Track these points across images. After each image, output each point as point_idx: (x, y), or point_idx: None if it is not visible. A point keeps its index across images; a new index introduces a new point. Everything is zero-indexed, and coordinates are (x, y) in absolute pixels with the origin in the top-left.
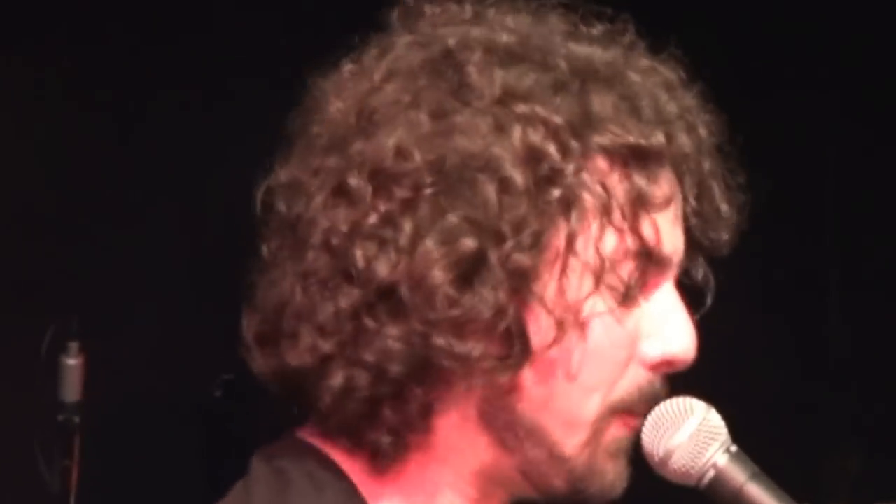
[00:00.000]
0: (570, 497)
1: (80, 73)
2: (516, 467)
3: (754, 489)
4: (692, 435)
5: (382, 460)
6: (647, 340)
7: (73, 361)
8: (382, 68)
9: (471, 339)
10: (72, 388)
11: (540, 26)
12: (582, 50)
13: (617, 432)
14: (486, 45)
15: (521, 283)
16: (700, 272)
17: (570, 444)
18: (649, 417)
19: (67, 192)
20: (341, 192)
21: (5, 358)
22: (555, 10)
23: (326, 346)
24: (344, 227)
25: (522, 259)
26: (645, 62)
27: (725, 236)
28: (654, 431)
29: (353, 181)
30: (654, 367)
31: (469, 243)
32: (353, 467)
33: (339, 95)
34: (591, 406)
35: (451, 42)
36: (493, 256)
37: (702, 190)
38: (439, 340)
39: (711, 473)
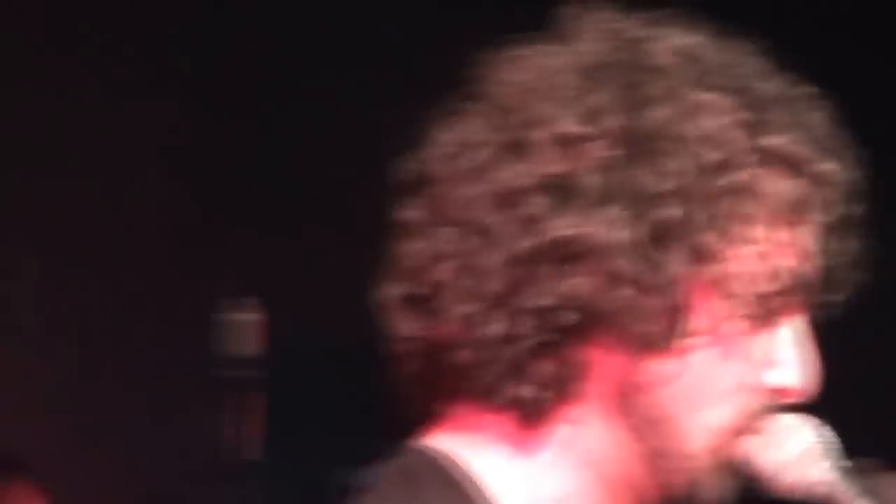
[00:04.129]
0: (680, 501)
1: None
2: (643, 458)
3: None
4: (803, 451)
5: (525, 420)
6: (775, 366)
7: (248, 317)
8: (568, 49)
9: (647, 301)
10: (247, 343)
11: (714, 44)
12: (753, 71)
13: (736, 448)
14: (673, 43)
15: (702, 259)
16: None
17: (697, 442)
18: (762, 433)
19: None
20: (522, 145)
21: (182, 313)
22: (726, 37)
23: (493, 288)
24: (524, 178)
25: (708, 237)
26: (810, 97)
27: (843, 293)
28: (765, 447)
29: (538, 136)
30: (775, 393)
31: (662, 210)
32: (494, 435)
33: (519, 70)
34: (722, 410)
35: (640, 33)
36: (683, 227)
37: (840, 232)
38: (618, 296)
39: (822, 490)
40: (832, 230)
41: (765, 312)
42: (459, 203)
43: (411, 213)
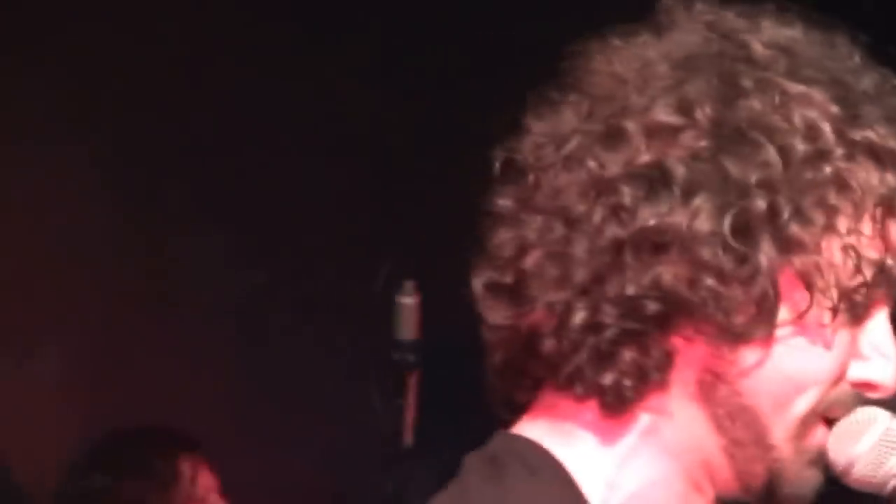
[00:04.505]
0: (764, 496)
1: None
2: (724, 448)
3: None
4: (874, 444)
5: (608, 408)
6: (859, 361)
7: (409, 300)
8: (663, 40)
9: (732, 289)
10: (408, 327)
11: (810, 38)
12: (847, 66)
13: (821, 441)
14: (768, 35)
15: (788, 249)
16: None
17: (778, 433)
18: (834, 427)
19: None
20: (614, 135)
21: (342, 297)
22: (821, 30)
23: (574, 290)
24: (614, 167)
25: (795, 225)
26: None
27: None
28: (838, 440)
29: (629, 125)
30: (857, 386)
31: (749, 201)
32: (578, 423)
33: (613, 60)
34: (804, 401)
35: (735, 25)
36: (770, 217)
37: None
38: (703, 285)
39: (894, 483)
40: None
41: (851, 305)
42: (549, 192)
43: (503, 201)
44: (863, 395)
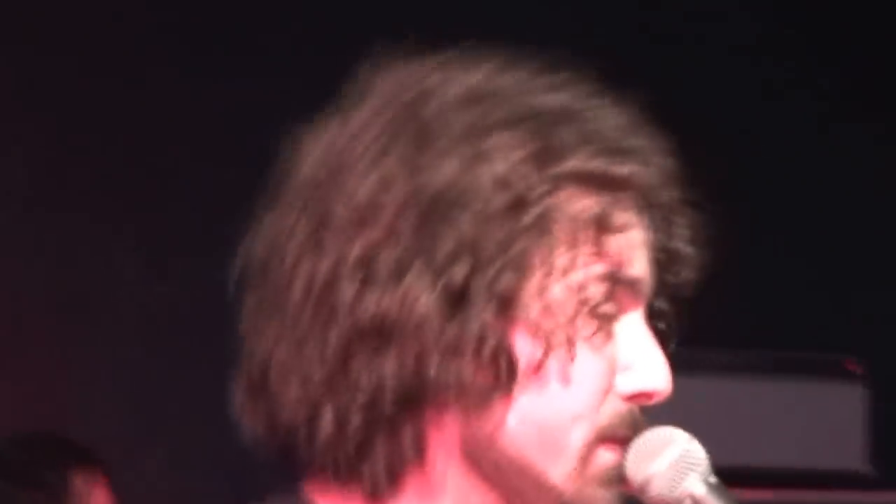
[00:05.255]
0: None
1: None
2: (504, 498)
3: None
4: (671, 464)
5: (374, 495)
6: (623, 373)
7: None
8: (351, 126)
9: (461, 363)
10: None
11: (498, 74)
12: (539, 91)
13: (605, 460)
14: (442, 93)
15: (505, 305)
16: (666, 308)
17: (556, 473)
18: (632, 444)
19: None
20: (319, 235)
21: None
22: (514, 61)
23: (315, 391)
24: (325, 268)
25: (505, 281)
26: (602, 102)
27: (690, 274)
28: (635, 458)
29: (338, 212)
30: (631, 399)
31: (452, 270)
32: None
33: (313, 152)
34: (578, 434)
35: (409, 96)
36: (477, 281)
37: (666, 223)
38: (431, 368)
39: (688, 502)
40: (658, 219)
41: (591, 330)
42: (278, 301)
43: (247, 304)
44: (641, 405)
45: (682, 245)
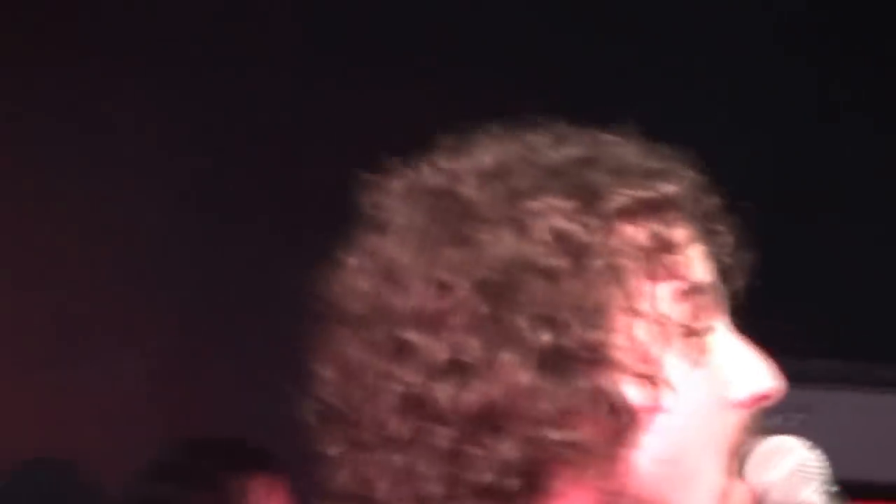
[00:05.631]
0: None
1: None
2: None
3: None
4: (790, 472)
5: None
6: (732, 384)
7: None
8: (392, 234)
9: (580, 426)
10: None
11: (506, 147)
12: (552, 148)
13: (742, 500)
14: (473, 169)
15: (601, 357)
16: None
17: None
18: (753, 453)
19: None
20: (400, 350)
21: None
22: (510, 129)
23: (435, 491)
24: (417, 379)
25: (593, 334)
26: (611, 139)
27: (740, 281)
28: (755, 466)
29: (409, 334)
30: (748, 406)
31: (541, 338)
32: None
33: (355, 277)
34: (712, 460)
35: (440, 180)
36: (567, 341)
37: (711, 233)
38: (553, 436)
39: None
40: (708, 232)
41: (689, 349)
42: (371, 426)
43: (332, 450)
44: (761, 408)
45: (731, 252)
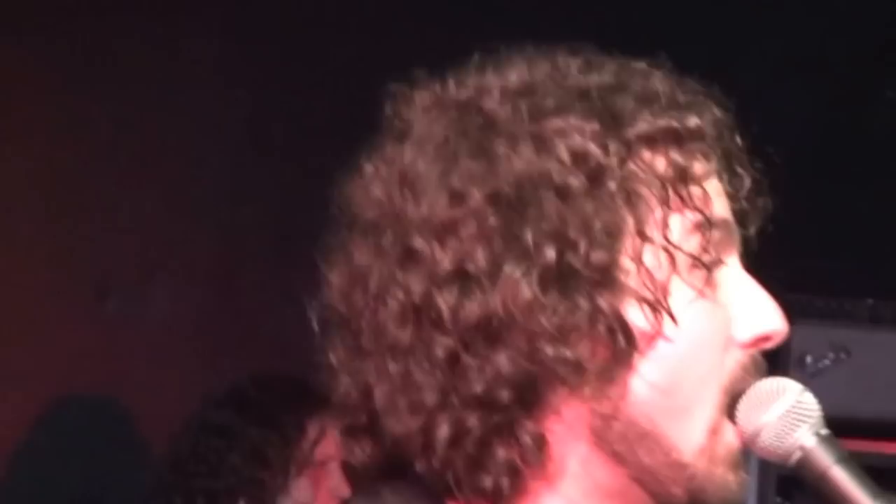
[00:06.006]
0: None
1: None
2: (633, 478)
3: (840, 473)
4: (782, 415)
5: (500, 500)
6: (736, 322)
7: None
8: (411, 143)
9: (577, 345)
10: None
11: (536, 66)
12: (582, 72)
13: (732, 441)
14: (500, 86)
15: (606, 279)
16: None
17: (688, 447)
18: (745, 394)
19: None
20: (407, 257)
21: None
22: (543, 54)
23: (429, 399)
24: (420, 287)
25: (600, 255)
26: (643, 68)
27: (758, 219)
28: (747, 408)
29: (417, 242)
30: (751, 346)
31: (548, 254)
32: None
33: (370, 183)
34: (708, 395)
35: (466, 95)
36: (573, 259)
37: (734, 168)
38: (548, 351)
39: (798, 454)
40: (728, 171)
41: (697, 280)
42: (371, 333)
43: (333, 355)
44: (762, 349)
45: (748, 195)
